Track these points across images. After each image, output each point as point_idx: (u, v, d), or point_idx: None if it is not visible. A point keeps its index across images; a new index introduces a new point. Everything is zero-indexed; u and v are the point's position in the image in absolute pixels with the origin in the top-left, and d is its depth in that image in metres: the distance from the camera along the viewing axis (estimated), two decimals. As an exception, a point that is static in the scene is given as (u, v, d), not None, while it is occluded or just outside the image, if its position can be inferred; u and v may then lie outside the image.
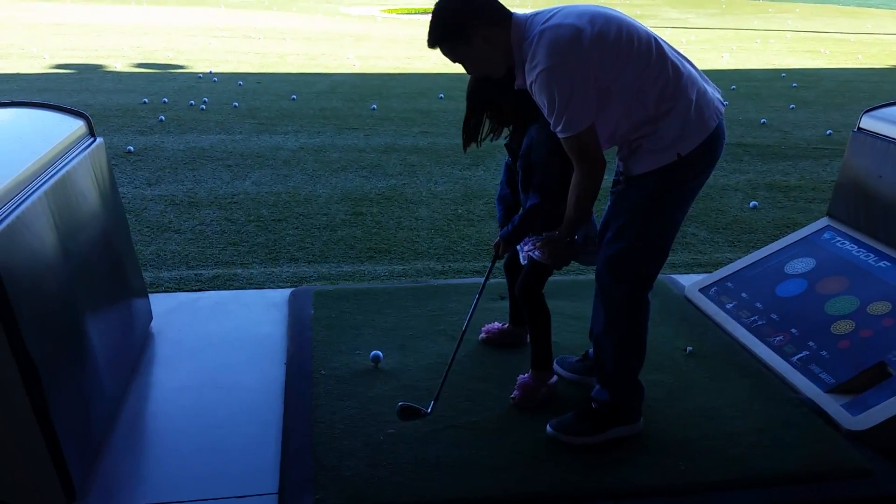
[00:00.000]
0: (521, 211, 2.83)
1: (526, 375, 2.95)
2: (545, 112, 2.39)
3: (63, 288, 2.43)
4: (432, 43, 2.47)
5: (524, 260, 2.89)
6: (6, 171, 2.33)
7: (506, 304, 3.36)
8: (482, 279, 4.01)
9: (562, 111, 2.32)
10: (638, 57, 2.38)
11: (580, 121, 2.34)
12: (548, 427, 2.67)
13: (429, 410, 2.68)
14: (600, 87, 2.37)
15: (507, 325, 3.30)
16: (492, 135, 2.79)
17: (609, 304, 2.62)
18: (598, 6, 2.47)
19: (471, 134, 2.77)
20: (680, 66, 2.46)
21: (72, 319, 2.47)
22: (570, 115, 2.32)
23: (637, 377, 2.70)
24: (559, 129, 2.37)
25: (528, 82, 2.41)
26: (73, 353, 2.43)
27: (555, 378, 2.97)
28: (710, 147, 2.48)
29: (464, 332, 2.84)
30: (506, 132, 2.83)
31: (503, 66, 2.51)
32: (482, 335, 3.29)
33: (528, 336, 2.98)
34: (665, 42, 2.49)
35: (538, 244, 2.74)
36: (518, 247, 2.90)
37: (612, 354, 2.65)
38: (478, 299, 2.86)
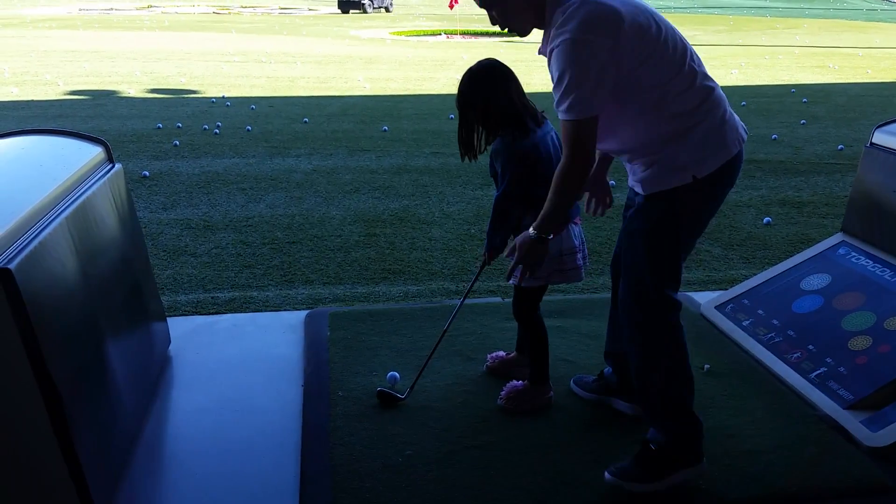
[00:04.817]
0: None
1: (520, 383, 3.01)
2: (554, 85, 2.26)
3: (84, 312, 2.46)
4: None
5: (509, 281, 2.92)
6: (28, 197, 2.36)
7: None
8: (497, 299, 4.06)
9: (571, 89, 2.19)
10: (671, 62, 2.28)
11: (587, 107, 2.21)
12: (606, 474, 2.50)
13: (403, 396, 2.94)
14: (623, 81, 2.25)
15: (512, 354, 3.25)
16: (486, 143, 2.83)
17: (643, 334, 2.47)
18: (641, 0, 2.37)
19: (464, 144, 2.81)
20: (712, 83, 2.37)
21: (93, 343, 2.49)
22: (580, 97, 2.19)
23: (691, 408, 2.49)
24: (563, 108, 2.23)
25: (549, 48, 2.27)
26: (94, 376, 2.45)
27: (551, 393, 3.00)
28: (728, 172, 2.40)
29: (445, 329, 2.97)
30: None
31: (530, 26, 2.41)
32: (487, 363, 3.26)
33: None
34: (698, 57, 2.40)
35: (515, 246, 2.58)
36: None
37: (657, 388, 2.48)
38: (463, 300, 3.03)
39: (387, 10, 37.32)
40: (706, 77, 2.37)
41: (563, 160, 2.32)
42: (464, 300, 3.05)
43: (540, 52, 2.40)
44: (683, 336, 2.50)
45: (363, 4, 35.62)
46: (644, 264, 2.44)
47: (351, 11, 35.79)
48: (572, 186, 2.35)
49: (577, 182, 2.34)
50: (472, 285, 3.01)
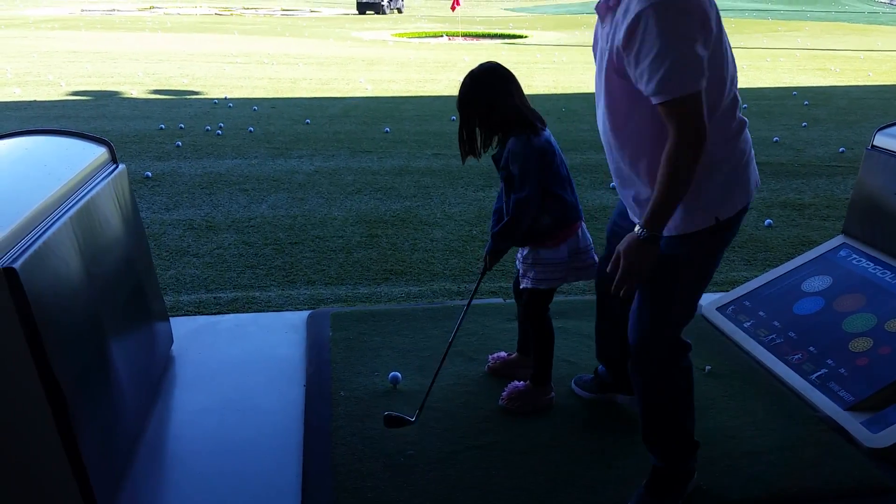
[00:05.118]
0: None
1: (521, 383, 3.01)
2: (650, 60, 1.93)
3: (88, 312, 2.47)
4: None
5: (521, 284, 2.92)
6: (32, 197, 2.37)
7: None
8: (499, 300, 4.07)
9: (676, 63, 1.89)
10: (723, 81, 2.09)
11: (690, 80, 1.92)
12: None
13: (413, 419, 2.74)
14: None
15: (513, 355, 3.27)
16: (485, 146, 2.83)
17: (656, 382, 2.35)
18: None
19: (465, 145, 2.81)
20: (744, 118, 2.21)
21: (97, 344, 2.50)
22: (682, 68, 1.90)
23: (693, 436, 2.45)
24: (661, 88, 1.93)
25: (633, 10, 1.95)
26: (98, 377, 2.46)
27: (552, 394, 3.01)
28: (740, 218, 2.25)
29: (450, 342, 2.90)
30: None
31: None
32: (489, 363, 3.27)
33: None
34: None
35: (618, 255, 2.17)
36: (519, 270, 2.95)
37: (669, 430, 2.41)
38: (466, 309, 2.95)
39: (399, 10, 37.79)
40: (741, 109, 2.22)
41: (671, 144, 2.00)
42: (466, 311, 2.97)
43: (598, 9, 2.13)
44: (692, 376, 2.42)
45: (381, 6, 35.74)
46: (664, 311, 2.29)
47: (366, 12, 35.94)
48: (687, 172, 2.01)
49: (692, 166, 2.01)
50: (473, 295, 2.95)
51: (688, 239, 2.20)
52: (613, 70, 2.10)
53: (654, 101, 1.98)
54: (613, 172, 2.34)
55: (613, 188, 6.62)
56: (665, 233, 2.13)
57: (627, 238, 2.11)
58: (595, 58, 2.26)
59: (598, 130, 2.34)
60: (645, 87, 1.98)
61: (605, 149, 2.34)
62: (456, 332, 2.92)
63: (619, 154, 2.25)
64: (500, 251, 2.85)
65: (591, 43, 2.35)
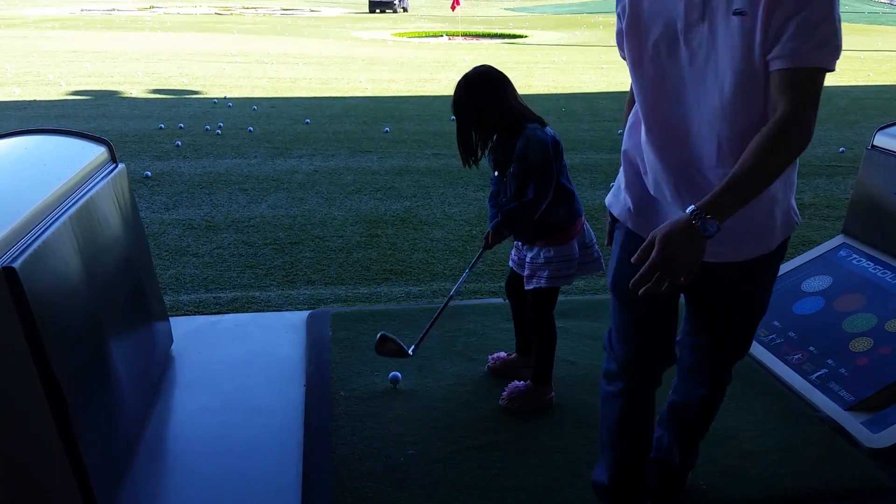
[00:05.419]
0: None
1: (521, 383, 3.01)
2: (791, 19, 1.61)
3: (88, 312, 2.47)
4: None
5: (528, 285, 2.92)
6: (32, 196, 2.37)
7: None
8: (499, 300, 4.07)
9: (830, 28, 1.62)
10: None
11: (834, 53, 1.65)
12: None
13: (410, 352, 2.86)
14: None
15: (513, 355, 3.26)
16: (482, 148, 2.84)
17: (721, 394, 2.37)
18: None
19: (466, 147, 2.82)
20: None
21: (96, 343, 2.50)
22: (832, 37, 1.63)
23: None
24: (804, 52, 1.62)
25: None
26: (97, 376, 2.46)
27: (553, 394, 3.01)
28: None
29: (450, 297, 2.99)
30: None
31: None
32: (489, 364, 3.27)
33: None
34: None
35: (652, 241, 1.70)
36: (523, 273, 2.95)
37: (704, 431, 2.44)
38: (465, 276, 3.02)
39: (405, 9, 38.37)
40: None
41: (783, 118, 1.65)
42: (463, 279, 3.03)
43: None
44: None
45: (393, 4, 36.06)
46: (751, 338, 2.23)
47: (377, 11, 36.31)
48: (788, 157, 1.69)
49: (796, 152, 1.70)
50: (472, 266, 3.01)
51: (776, 251, 1.99)
52: (750, 26, 1.68)
53: (784, 63, 1.64)
54: (698, 174, 1.86)
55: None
56: (763, 251, 1.94)
57: (671, 223, 1.63)
58: (650, 37, 1.83)
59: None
60: (782, 45, 1.64)
61: (685, 144, 1.87)
62: (457, 288, 2.99)
63: (723, 141, 1.80)
64: (506, 232, 2.86)
65: (618, 33, 1.97)
